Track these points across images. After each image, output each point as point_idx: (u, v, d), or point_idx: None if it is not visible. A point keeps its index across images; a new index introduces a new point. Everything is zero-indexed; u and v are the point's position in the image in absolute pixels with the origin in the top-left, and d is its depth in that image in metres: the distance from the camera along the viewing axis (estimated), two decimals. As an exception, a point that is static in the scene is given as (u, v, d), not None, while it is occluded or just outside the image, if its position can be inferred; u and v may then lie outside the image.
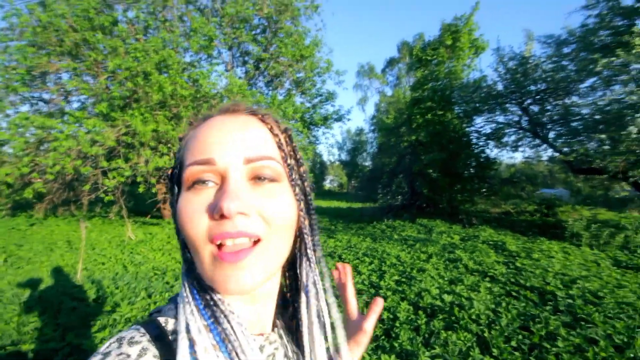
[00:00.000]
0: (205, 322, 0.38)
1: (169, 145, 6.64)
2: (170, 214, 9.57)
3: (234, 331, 0.37)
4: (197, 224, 0.36)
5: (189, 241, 0.38)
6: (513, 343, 2.54)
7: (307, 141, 9.60)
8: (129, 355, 0.34)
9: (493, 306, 3.19)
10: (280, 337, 0.48)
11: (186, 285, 0.40)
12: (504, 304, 3.22)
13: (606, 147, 6.13)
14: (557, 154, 9.14)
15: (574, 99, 8.58)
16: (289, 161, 0.42)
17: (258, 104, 6.66)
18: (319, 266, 0.47)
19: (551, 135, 9.60)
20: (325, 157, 33.24)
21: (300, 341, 0.46)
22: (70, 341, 2.42)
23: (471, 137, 11.16)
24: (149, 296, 3.35)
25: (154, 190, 6.40)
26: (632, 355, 2.35)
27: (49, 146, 5.49)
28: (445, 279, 4.11)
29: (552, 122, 8.75)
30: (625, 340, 2.49)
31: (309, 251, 0.45)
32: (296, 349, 0.49)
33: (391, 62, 24.90)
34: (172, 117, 6.76)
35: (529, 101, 9.43)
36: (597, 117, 7.57)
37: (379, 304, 0.63)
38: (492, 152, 11.81)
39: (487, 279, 4.12)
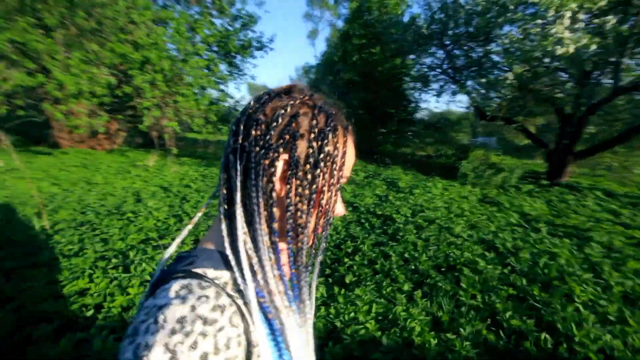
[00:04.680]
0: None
1: (40, 61, 5.68)
2: (68, 144, 8.67)
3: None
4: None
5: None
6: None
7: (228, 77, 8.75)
8: (208, 297, 0.37)
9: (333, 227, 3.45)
10: None
11: (267, 251, 0.44)
12: (340, 227, 3.49)
13: (482, 91, 6.47)
14: (469, 100, 9.57)
15: (493, 45, 8.75)
16: None
17: (162, 22, 5.70)
18: None
19: (469, 82, 9.94)
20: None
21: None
22: None
23: (399, 79, 11.16)
24: (-34, 220, 3.08)
25: (33, 115, 5.60)
26: (413, 266, 2.72)
27: None
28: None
29: (468, 67, 8.96)
30: (416, 256, 2.86)
31: None
32: None
33: (344, -8, 23.00)
34: (41, 26, 5.69)
35: (451, 45, 9.44)
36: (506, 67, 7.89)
37: None
38: (419, 95, 12.08)
39: (350, 208, 4.41)
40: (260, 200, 0.43)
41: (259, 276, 0.42)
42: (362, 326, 1.82)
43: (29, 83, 5.18)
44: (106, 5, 6.09)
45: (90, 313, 1.82)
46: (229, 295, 0.39)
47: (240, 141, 0.45)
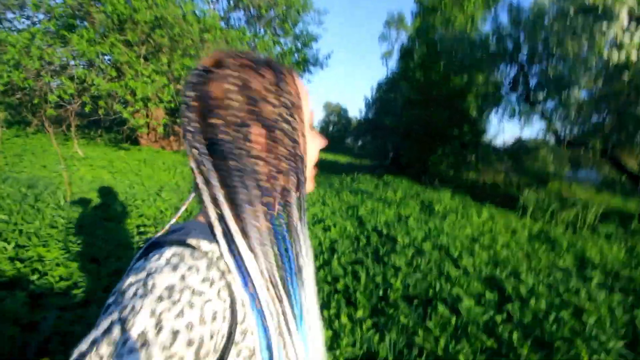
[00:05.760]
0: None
1: (121, 70, 6.78)
2: (145, 143, 10.06)
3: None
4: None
5: (309, 163, 0.51)
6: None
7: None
8: (199, 268, 0.36)
9: (318, 240, 3.25)
10: None
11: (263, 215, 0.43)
12: (328, 240, 3.26)
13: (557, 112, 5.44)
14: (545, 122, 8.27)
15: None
16: None
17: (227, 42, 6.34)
18: None
19: (544, 103, 8.61)
20: (350, 114, 32.95)
21: None
22: None
23: (461, 98, 10.32)
24: None
25: (103, 111, 6.61)
26: (380, 293, 2.36)
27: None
28: (318, 217, 4.16)
29: (543, 86, 7.77)
30: (391, 282, 2.48)
31: None
32: None
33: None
34: (126, 42, 6.81)
35: (525, 61, 8.36)
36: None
37: None
38: (486, 117, 10.92)
39: (356, 223, 4.11)
40: (249, 184, 0.42)
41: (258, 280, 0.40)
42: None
43: (109, 87, 6.20)
44: (183, 27, 6.99)
45: (35, 277, 2.00)
46: (220, 270, 0.38)
47: (205, 138, 0.42)
